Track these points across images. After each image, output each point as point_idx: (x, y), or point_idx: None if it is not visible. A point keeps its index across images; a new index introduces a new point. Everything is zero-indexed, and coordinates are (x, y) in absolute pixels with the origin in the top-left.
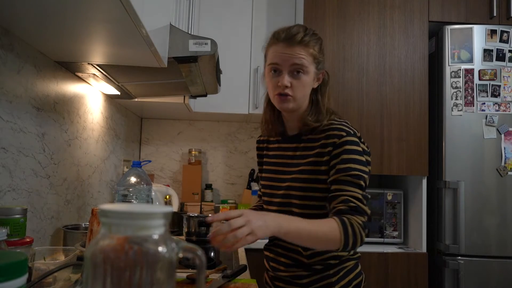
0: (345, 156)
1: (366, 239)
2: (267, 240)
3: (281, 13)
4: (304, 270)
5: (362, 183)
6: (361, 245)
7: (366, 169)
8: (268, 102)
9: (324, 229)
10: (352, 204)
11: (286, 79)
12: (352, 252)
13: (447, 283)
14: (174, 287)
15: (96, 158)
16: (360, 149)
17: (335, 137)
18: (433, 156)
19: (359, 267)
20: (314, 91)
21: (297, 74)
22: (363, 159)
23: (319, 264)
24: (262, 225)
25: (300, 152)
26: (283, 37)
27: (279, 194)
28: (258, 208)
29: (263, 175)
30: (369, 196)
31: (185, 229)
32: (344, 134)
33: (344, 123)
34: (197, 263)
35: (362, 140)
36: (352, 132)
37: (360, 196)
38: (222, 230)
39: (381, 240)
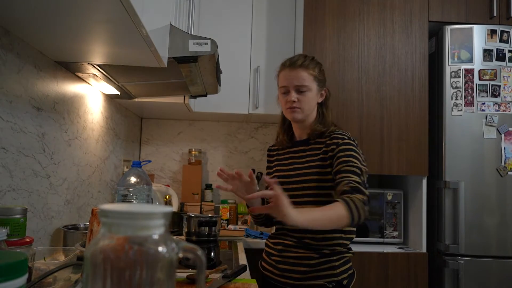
0: (346, 152)
1: (366, 239)
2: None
3: (281, 13)
4: (314, 253)
5: (360, 173)
6: (365, 219)
7: (364, 166)
8: (282, 118)
9: (334, 211)
10: (352, 185)
11: (293, 96)
12: (348, 243)
13: (447, 283)
14: (174, 287)
15: (96, 158)
16: (358, 151)
17: (338, 138)
18: (433, 156)
19: (350, 262)
20: (320, 105)
21: (302, 91)
22: (361, 158)
23: (326, 249)
24: (294, 214)
25: (309, 152)
26: (288, 64)
27: (292, 187)
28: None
29: (275, 174)
30: (367, 186)
31: (185, 229)
32: (346, 138)
33: (345, 132)
34: (197, 263)
35: (358, 148)
36: (352, 139)
37: (359, 181)
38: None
39: (381, 240)
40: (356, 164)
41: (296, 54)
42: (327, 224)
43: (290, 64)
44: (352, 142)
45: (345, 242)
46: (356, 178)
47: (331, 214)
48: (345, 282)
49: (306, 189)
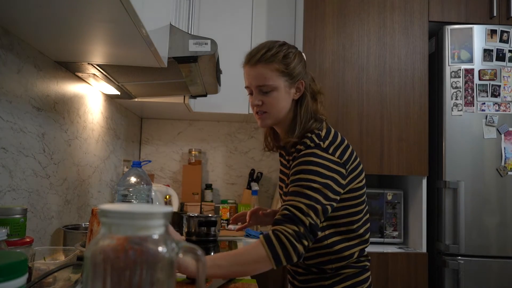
0: (298, 168)
1: None
2: None
3: (281, 13)
4: (303, 269)
5: (310, 192)
6: (301, 256)
7: (323, 180)
8: None
9: (249, 255)
10: (287, 212)
11: (256, 99)
12: (355, 260)
13: (447, 283)
14: (174, 287)
15: (96, 158)
16: (321, 161)
17: (302, 146)
18: (433, 156)
19: (364, 276)
20: (296, 103)
21: (266, 92)
22: (322, 170)
23: (315, 268)
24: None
25: (291, 164)
26: (247, 59)
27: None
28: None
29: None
30: (325, 207)
31: (185, 229)
32: (304, 148)
33: (316, 135)
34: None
35: (332, 151)
36: (316, 144)
37: (301, 206)
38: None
39: (381, 240)
40: (306, 183)
41: (263, 42)
42: (241, 271)
43: (249, 59)
44: (314, 151)
45: (338, 264)
46: (298, 202)
47: (245, 259)
48: None
49: None
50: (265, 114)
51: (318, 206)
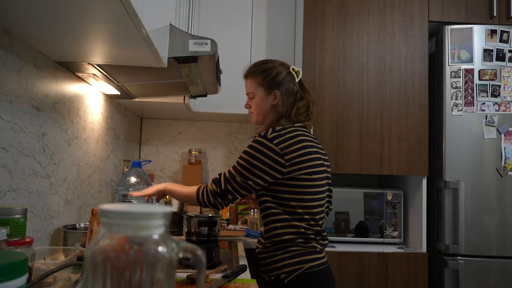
0: (245, 148)
1: (366, 239)
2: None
3: (281, 13)
4: (262, 248)
5: (239, 168)
6: (211, 204)
7: (253, 161)
8: None
9: (189, 190)
10: (216, 177)
11: (246, 103)
12: (301, 240)
13: (447, 283)
14: (174, 287)
15: (96, 158)
16: (258, 146)
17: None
18: (433, 156)
19: (311, 256)
20: (276, 107)
21: (251, 98)
22: (255, 153)
23: (269, 243)
24: (151, 187)
25: None
26: (243, 73)
27: None
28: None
29: None
30: (248, 182)
31: (185, 229)
32: (256, 135)
33: (272, 128)
34: (197, 263)
35: (276, 143)
36: (262, 135)
37: (227, 174)
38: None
39: (381, 240)
40: (239, 160)
41: (254, 63)
42: (181, 197)
43: (244, 73)
44: (259, 139)
45: (286, 231)
46: (227, 172)
47: (186, 191)
48: (282, 276)
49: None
50: (252, 114)
51: (239, 179)
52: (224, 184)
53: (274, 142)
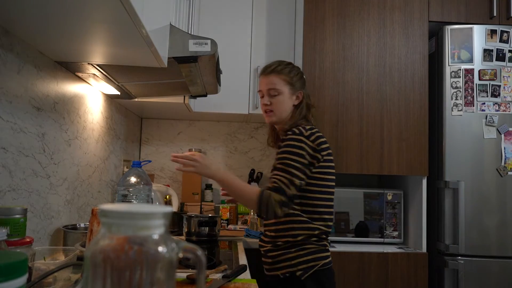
0: (283, 149)
1: (366, 239)
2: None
3: (281, 13)
4: (272, 246)
5: (292, 169)
6: (274, 216)
7: (301, 159)
8: None
9: (248, 191)
10: (275, 184)
11: (266, 100)
12: (314, 238)
13: (447, 283)
14: (174, 287)
15: (96, 158)
16: (300, 144)
17: (287, 135)
18: (433, 156)
19: (324, 254)
20: (295, 108)
21: (274, 95)
22: (300, 151)
23: (281, 241)
24: (204, 167)
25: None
26: (262, 71)
27: None
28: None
29: None
30: (301, 182)
31: (185, 229)
32: (290, 133)
33: (302, 127)
34: (197, 263)
35: (313, 139)
36: (298, 132)
37: (285, 180)
38: (180, 158)
39: (381, 240)
40: (287, 161)
41: (275, 61)
42: (235, 196)
43: (264, 70)
44: (296, 137)
45: (302, 233)
46: (283, 177)
47: (245, 192)
48: (298, 273)
49: None
50: (271, 112)
51: (297, 181)
52: (289, 191)
53: (311, 139)
